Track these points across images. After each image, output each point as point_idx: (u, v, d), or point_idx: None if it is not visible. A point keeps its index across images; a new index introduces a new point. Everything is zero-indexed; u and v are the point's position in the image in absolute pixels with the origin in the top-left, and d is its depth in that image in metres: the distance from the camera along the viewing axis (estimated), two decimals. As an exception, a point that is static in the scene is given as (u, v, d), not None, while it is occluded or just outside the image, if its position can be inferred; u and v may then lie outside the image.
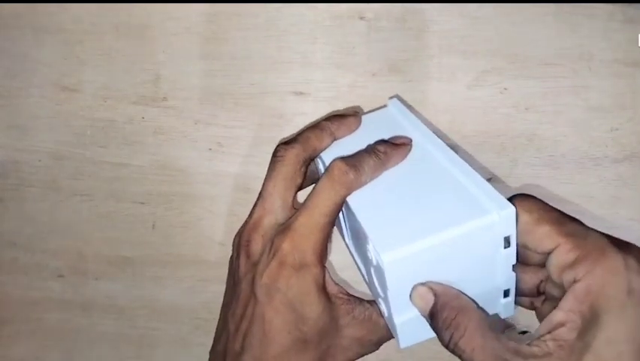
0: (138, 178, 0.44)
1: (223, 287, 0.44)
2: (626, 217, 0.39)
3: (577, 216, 0.25)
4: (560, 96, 0.39)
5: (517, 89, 0.40)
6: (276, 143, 0.42)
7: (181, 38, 0.43)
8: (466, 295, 0.26)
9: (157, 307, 0.44)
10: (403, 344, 0.28)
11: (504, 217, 0.24)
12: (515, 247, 0.25)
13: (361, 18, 0.41)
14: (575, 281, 0.23)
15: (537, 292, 0.27)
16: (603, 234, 0.24)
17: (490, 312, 0.28)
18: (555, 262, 0.24)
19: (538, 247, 0.25)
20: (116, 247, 0.44)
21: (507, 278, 0.27)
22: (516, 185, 0.40)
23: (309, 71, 0.42)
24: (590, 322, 0.22)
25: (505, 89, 0.40)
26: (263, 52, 0.42)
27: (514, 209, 0.24)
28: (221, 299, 0.43)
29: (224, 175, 0.43)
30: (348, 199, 0.29)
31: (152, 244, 0.44)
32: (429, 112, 0.40)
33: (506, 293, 0.27)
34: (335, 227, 0.31)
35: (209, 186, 0.43)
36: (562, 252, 0.24)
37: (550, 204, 0.26)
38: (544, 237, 0.24)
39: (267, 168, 0.42)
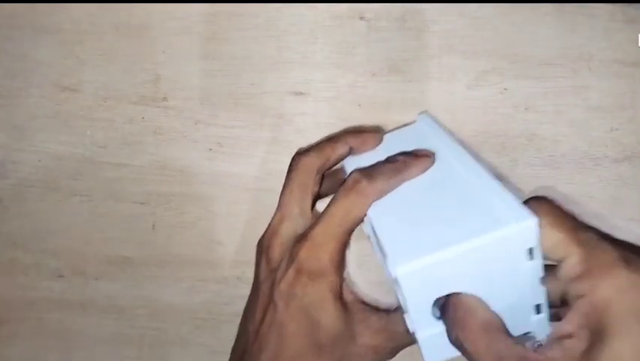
0: (138, 178, 0.44)
1: (223, 287, 0.44)
2: (626, 217, 0.39)
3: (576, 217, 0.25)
4: (560, 96, 0.39)
5: (517, 89, 0.40)
6: (276, 143, 0.42)
7: (181, 38, 0.43)
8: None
9: (157, 307, 0.44)
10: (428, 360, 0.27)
11: (525, 228, 0.23)
12: (541, 259, 0.24)
13: (361, 18, 0.41)
14: (580, 296, 0.22)
15: (561, 303, 0.26)
16: (620, 245, 0.23)
17: (523, 331, 0.26)
18: (563, 272, 0.23)
19: (550, 253, 0.24)
20: (116, 247, 0.44)
21: (536, 292, 0.25)
22: (516, 185, 0.40)
23: (309, 71, 0.42)
24: (596, 338, 0.21)
25: (505, 89, 0.40)
26: (263, 52, 0.42)
27: (537, 220, 0.23)
28: (220, 299, 0.44)
29: (224, 175, 0.43)
30: (369, 211, 0.28)
31: (152, 244, 0.44)
32: (429, 112, 0.40)
33: (539, 309, 0.26)
34: (371, 241, 0.31)
35: (209, 186, 0.43)
36: (571, 263, 0.23)
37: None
38: (557, 244, 0.24)
39: (267, 168, 0.43)
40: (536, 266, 0.24)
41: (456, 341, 0.24)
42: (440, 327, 0.25)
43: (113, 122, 0.44)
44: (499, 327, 0.24)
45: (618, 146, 0.39)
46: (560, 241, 0.23)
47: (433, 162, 0.30)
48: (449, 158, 0.30)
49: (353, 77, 0.41)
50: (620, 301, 0.21)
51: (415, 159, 0.30)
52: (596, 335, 0.22)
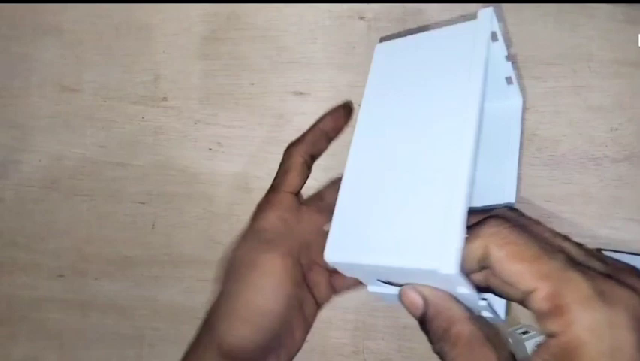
0: (138, 178, 0.44)
1: (223, 287, 0.44)
2: (626, 217, 0.39)
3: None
4: (559, 96, 0.39)
5: (517, 89, 0.40)
6: (277, 143, 0.42)
7: (181, 38, 0.43)
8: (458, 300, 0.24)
9: (157, 307, 0.44)
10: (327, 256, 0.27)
11: (445, 274, 0.22)
12: (474, 291, 0.23)
13: (361, 18, 0.41)
14: (551, 335, 0.20)
15: (480, 268, 0.25)
16: (591, 273, 0.21)
17: None
18: (531, 307, 0.21)
19: (516, 285, 0.22)
20: (116, 247, 0.44)
21: (477, 305, 0.24)
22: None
23: (309, 71, 0.42)
24: None
25: (505, 89, 0.40)
26: (263, 52, 0.42)
27: (457, 270, 0.22)
28: (221, 299, 0.44)
29: (224, 175, 0.43)
30: (341, 187, 0.28)
31: (152, 244, 0.44)
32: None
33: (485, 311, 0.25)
34: None
35: (209, 186, 0.43)
36: (537, 298, 0.21)
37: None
38: (519, 277, 0.21)
39: (267, 168, 0.43)
40: (470, 293, 0.23)
41: (441, 353, 0.24)
42: (390, 289, 0.27)
43: (113, 122, 0.44)
44: (484, 337, 0.23)
45: (618, 146, 0.39)
46: (520, 274, 0.21)
47: (348, 116, 0.35)
48: (456, 108, 0.26)
49: (353, 77, 0.41)
50: (596, 343, 0.19)
51: (330, 116, 0.35)
52: None
